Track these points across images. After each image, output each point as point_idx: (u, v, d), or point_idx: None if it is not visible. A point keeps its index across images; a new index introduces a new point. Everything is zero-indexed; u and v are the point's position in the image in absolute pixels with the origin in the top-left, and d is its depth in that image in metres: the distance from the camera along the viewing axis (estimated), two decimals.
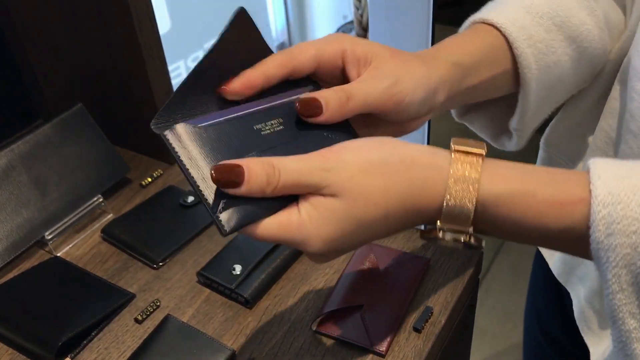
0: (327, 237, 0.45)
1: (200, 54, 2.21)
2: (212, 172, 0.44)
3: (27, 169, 0.85)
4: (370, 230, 0.45)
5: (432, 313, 0.72)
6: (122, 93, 0.94)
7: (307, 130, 0.49)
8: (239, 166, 0.44)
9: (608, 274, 0.41)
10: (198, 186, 0.46)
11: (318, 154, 0.45)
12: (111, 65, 0.92)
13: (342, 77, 0.53)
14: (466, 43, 0.56)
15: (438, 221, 0.45)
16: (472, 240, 0.45)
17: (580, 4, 0.59)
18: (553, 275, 0.83)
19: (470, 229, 0.44)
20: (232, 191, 0.44)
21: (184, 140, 0.46)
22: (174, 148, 0.46)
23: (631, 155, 0.57)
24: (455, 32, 0.60)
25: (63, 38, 0.93)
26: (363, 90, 0.49)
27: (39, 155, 0.86)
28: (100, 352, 0.72)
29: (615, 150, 0.62)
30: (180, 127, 0.47)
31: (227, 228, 0.45)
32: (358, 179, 0.43)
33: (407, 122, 0.54)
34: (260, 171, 0.44)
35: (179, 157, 0.46)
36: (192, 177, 0.46)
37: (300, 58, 0.50)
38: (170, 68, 2.01)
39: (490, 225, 0.44)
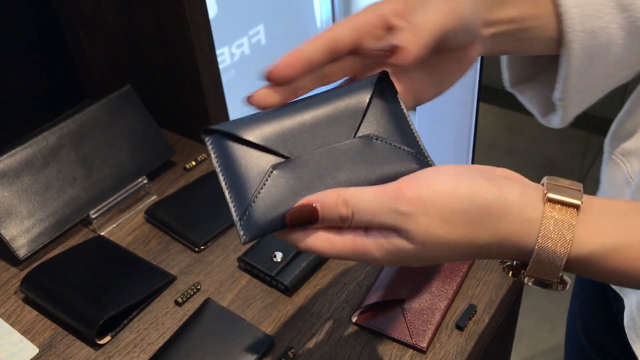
0: (389, 262, 0.43)
1: (245, 41, 2.22)
2: (286, 217, 0.43)
3: (75, 147, 0.86)
4: (435, 262, 0.44)
5: (475, 311, 0.70)
6: (170, 76, 0.94)
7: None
8: (312, 206, 0.42)
9: None
10: (227, 191, 0.46)
11: (397, 190, 0.41)
12: (160, 48, 0.92)
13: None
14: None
15: (522, 271, 0.42)
16: (559, 287, 0.43)
17: None
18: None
19: (557, 280, 0.42)
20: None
21: (223, 144, 0.47)
22: (211, 152, 0.47)
23: None
24: None
25: (114, 19, 0.94)
26: (429, 19, 0.47)
27: (87, 134, 0.87)
28: (139, 332, 0.72)
29: None
30: (220, 134, 0.47)
31: (245, 237, 0.44)
32: (436, 227, 0.40)
33: (464, 51, 0.52)
34: (333, 209, 0.42)
35: (215, 163, 0.47)
36: (223, 181, 0.46)
37: (335, 28, 0.48)
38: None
39: (581, 274, 0.42)
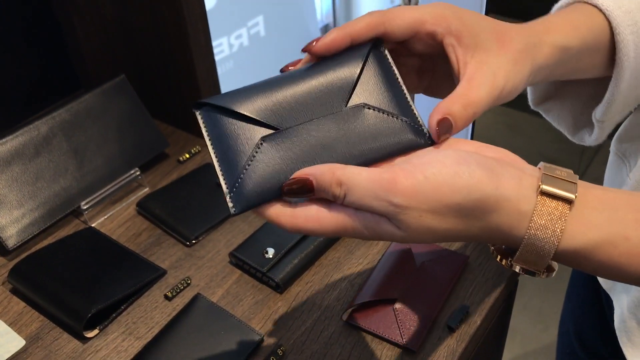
0: (374, 239, 0.43)
1: (243, 32, 2.20)
2: (284, 187, 0.43)
3: (67, 137, 0.84)
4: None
5: (467, 312, 0.69)
6: (165, 67, 0.93)
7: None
8: (308, 180, 0.42)
9: None
10: (217, 163, 0.46)
11: (391, 180, 0.40)
12: (155, 38, 0.90)
13: (437, 48, 0.49)
14: (575, 22, 0.52)
15: (510, 258, 0.42)
16: (544, 275, 0.43)
17: None
18: (593, 281, 0.80)
19: (543, 270, 0.42)
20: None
21: (214, 117, 0.47)
22: (202, 125, 0.47)
23: None
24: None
25: (109, 8, 0.92)
26: (474, 101, 0.46)
27: (80, 124, 0.86)
28: (128, 326, 0.72)
29: None
30: (211, 107, 0.47)
31: (234, 209, 0.44)
32: (427, 219, 0.40)
33: None
34: (327, 187, 0.42)
35: (205, 135, 0.47)
36: (213, 153, 0.46)
37: (395, 22, 0.47)
38: (213, 44, 2.02)
39: (569, 264, 0.42)
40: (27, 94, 1.00)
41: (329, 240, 0.78)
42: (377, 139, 0.46)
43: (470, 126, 1.40)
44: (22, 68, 0.99)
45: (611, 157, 0.73)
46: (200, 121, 0.47)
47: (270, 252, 0.76)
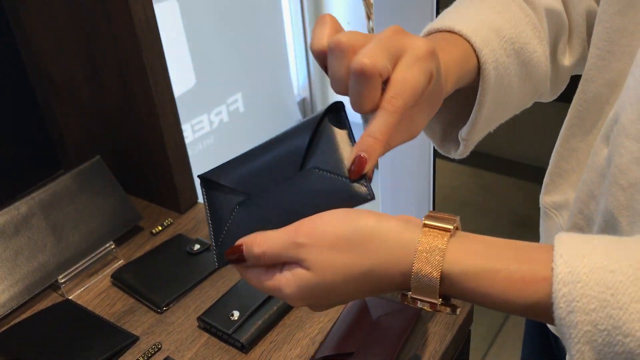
0: (300, 298, 0.49)
1: (223, 109, 2.30)
2: (225, 255, 0.51)
3: (45, 215, 0.90)
4: (343, 297, 0.49)
5: None
6: (138, 145, 1.01)
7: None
8: (240, 247, 0.50)
9: (572, 349, 0.42)
10: (209, 225, 0.55)
11: (297, 226, 0.48)
12: (129, 119, 0.98)
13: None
14: (450, 49, 0.59)
15: (409, 292, 0.47)
16: (446, 309, 0.47)
17: (533, 31, 0.64)
18: (542, 326, 0.84)
19: (439, 301, 0.47)
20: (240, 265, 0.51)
21: (210, 190, 0.56)
22: (204, 198, 0.57)
23: (618, 208, 0.59)
24: None
25: (86, 92, 1.01)
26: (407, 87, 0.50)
27: (57, 203, 0.92)
28: None
29: (597, 203, 0.65)
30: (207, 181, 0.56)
31: (217, 264, 0.53)
32: (326, 254, 0.47)
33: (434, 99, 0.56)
34: (250, 249, 0.50)
35: (205, 203, 0.56)
36: (208, 217, 0.56)
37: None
38: (194, 121, 2.11)
39: (460, 296, 0.47)
40: (12, 176, 1.07)
41: None
42: (326, 196, 0.51)
43: (431, 186, 1.47)
44: (7, 151, 1.06)
45: (542, 211, 0.78)
46: (202, 191, 0.57)
47: (236, 314, 0.81)
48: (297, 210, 0.51)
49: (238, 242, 0.51)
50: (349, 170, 0.51)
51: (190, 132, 2.10)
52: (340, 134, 0.55)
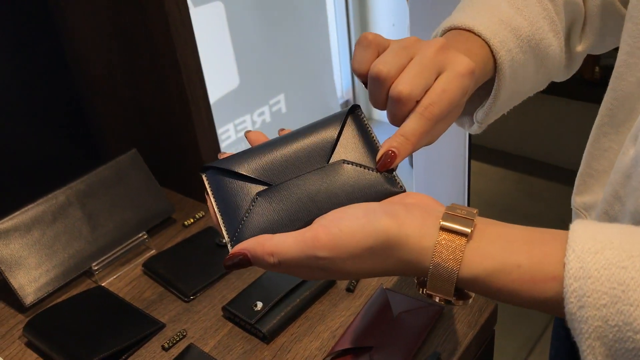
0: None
1: (265, 109, 2.33)
2: (225, 262, 0.50)
3: (81, 205, 0.94)
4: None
5: (439, 358, 0.74)
6: (172, 141, 1.03)
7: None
8: (245, 255, 0.49)
9: (583, 344, 0.42)
10: (219, 216, 0.53)
11: (314, 238, 0.47)
12: (164, 114, 1.01)
13: None
14: (476, 51, 0.61)
15: (425, 289, 0.48)
16: (459, 302, 0.48)
17: (550, 25, 0.65)
18: (567, 333, 0.82)
19: (453, 299, 0.47)
20: None
21: (217, 178, 0.54)
22: (206, 188, 0.55)
23: None
24: None
25: (124, 89, 1.04)
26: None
27: (94, 193, 0.96)
28: None
29: (622, 204, 0.63)
30: (215, 170, 0.55)
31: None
32: (349, 264, 0.47)
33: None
34: (261, 259, 0.49)
35: (209, 192, 0.54)
36: (215, 207, 0.53)
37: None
38: (237, 121, 2.15)
39: (475, 292, 0.48)
40: (54, 168, 1.12)
41: (315, 294, 0.84)
42: (355, 189, 0.52)
43: (465, 188, 1.46)
44: (48, 145, 1.11)
45: (573, 212, 0.77)
46: (205, 182, 0.55)
47: (259, 305, 0.82)
48: (326, 200, 0.51)
49: (238, 250, 0.49)
50: (378, 162, 0.53)
51: (233, 131, 2.13)
52: (364, 132, 0.56)
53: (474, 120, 0.67)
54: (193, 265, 0.92)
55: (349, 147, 0.55)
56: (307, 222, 0.50)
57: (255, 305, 0.82)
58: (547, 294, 0.44)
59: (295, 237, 0.47)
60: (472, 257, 0.45)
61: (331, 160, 0.54)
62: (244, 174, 0.53)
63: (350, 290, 0.86)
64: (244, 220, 0.51)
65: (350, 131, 0.56)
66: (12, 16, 1.01)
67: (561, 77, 0.74)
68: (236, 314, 0.82)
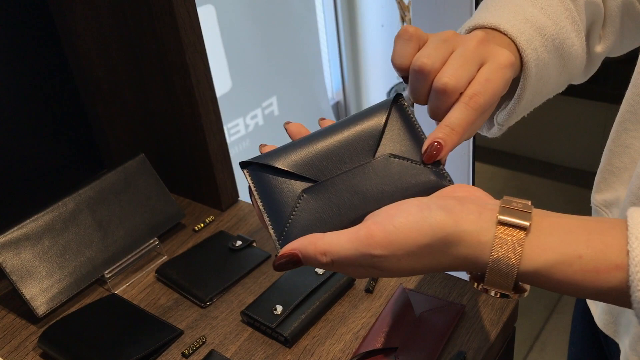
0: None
1: (258, 112, 2.32)
2: (275, 263, 0.49)
3: (92, 212, 0.92)
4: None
5: (464, 357, 0.73)
6: (181, 145, 1.02)
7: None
8: (296, 255, 0.48)
9: None
10: (265, 214, 0.51)
11: (367, 235, 0.46)
12: (171, 119, 1.00)
13: None
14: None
15: (482, 284, 0.47)
16: (517, 296, 0.48)
17: (572, 25, 0.65)
18: (592, 326, 0.83)
19: (511, 293, 0.47)
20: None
21: (259, 174, 0.53)
22: (250, 186, 0.53)
23: None
24: None
25: (130, 93, 1.03)
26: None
27: (103, 200, 0.94)
28: None
29: None
30: (256, 165, 0.53)
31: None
32: (406, 261, 0.46)
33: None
34: (313, 258, 0.48)
35: (253, 190, 0.52)
36: (261, 205, 0.52)
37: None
38: (229, 125, 2.13)
39: (532, 284, 0.47)
40: (58, 175, 1.10)
41: (334, 296, 0.84)
42: (404, 184, 0.51)
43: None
44: (53, 152, 1.09)
45: (593, 210, 0.78)
46: (248, 178, 0.53)
47: (279, 309, 0.81)
48: (372, 198, 0.50)
49: (288, 250, 0.48)
50: (424, 154, 0.52)
51: (227, 135, 2.12)
52: (408, 123, 0.55)
53: (495, 123, 0.67)
54: (207, 270, 0.91)
55: (394, 140, 0.54)
56: (356, 220, 0.49)
57: (275, 309, 0.81)
58: (611, 284, 0.43)
59: (348, 236, 0.46)
60: (532, 250, 0.45)
61: (377, 154, 0.53)
62: (287, 170, 0.52)
63: (369, 291, 0.85)
64: (291, 219, 0.50)
65: (394, 122, 0.54)
66: (13, 22, 0.99)
67: (580, 78, 0.74)
68: (256, 318, 0.81)
